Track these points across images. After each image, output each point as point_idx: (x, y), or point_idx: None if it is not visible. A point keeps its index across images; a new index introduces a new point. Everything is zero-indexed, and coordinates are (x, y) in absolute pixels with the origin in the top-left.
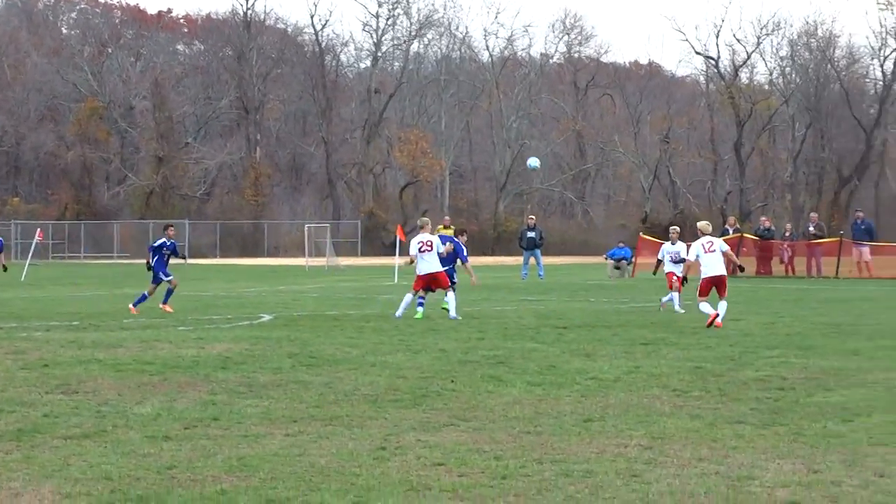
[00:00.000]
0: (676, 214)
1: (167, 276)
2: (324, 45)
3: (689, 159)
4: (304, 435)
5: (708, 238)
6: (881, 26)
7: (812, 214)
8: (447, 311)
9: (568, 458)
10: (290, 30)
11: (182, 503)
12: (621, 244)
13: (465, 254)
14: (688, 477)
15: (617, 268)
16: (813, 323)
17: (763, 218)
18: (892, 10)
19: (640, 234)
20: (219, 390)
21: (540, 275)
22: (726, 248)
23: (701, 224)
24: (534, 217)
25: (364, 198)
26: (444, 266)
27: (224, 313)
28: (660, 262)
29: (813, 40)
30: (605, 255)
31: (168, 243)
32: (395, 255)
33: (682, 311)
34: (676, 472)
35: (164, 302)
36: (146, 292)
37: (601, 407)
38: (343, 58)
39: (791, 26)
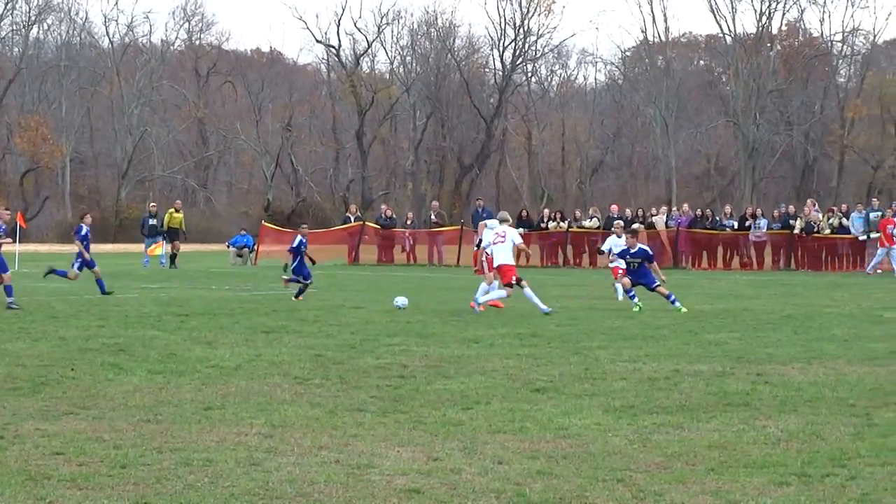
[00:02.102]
0: (299, 202)
1: None
2: None
3: (312, 147)
4: None
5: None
6: (500, 16)
7: (433, 203)
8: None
9: (188, 446)
10: None
11: None
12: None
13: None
14: (308, 465)
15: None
16: (434, 311)
17: (384, 206)
18: None
19: (263, 221)
20: None
21: (162, 262)
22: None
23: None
24: (156, 204)
25: None
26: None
27: None
28: (605, 253)
29: (433, 30)
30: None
31: None
32: (15, 241)
33: (621, 300)
34: (297, 460)
35: None
36: None
37: (222, 395)
38: None
39: (412, 16)
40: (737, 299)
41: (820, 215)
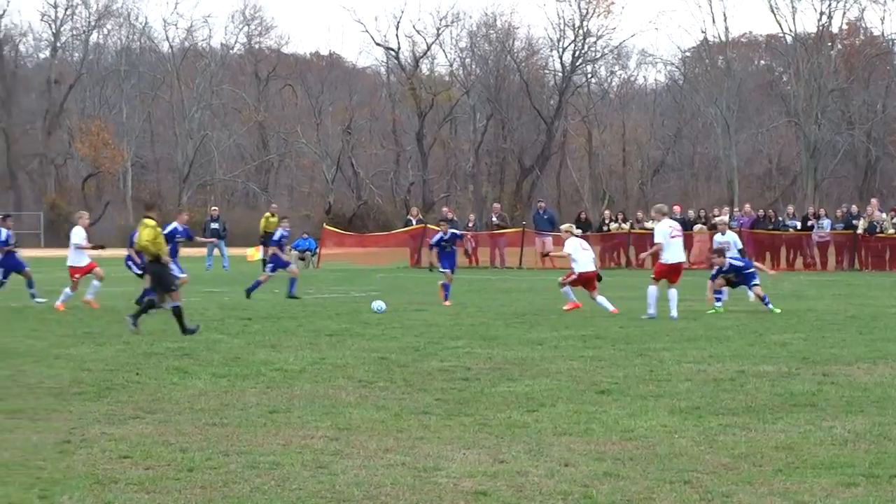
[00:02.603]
0: (360, 205)
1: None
2: (1, 35)
3: (372, 150)
4: None
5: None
6: (559, 18)
7: (495, 205)
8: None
9: (254, 449)
10: None
11: None
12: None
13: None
14: (374, 468)
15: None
16: (497, 313)
17: (445, 209)
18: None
19: (325, 225)
20: None
21: (224, 266)
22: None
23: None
24: (217, 208)
25: (46, 189)
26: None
27: None
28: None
29: (492, 32)
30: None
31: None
32: None
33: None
34: (363, 463)
35: None
36: None
37: (287, 398)
38: (22, 48)
39: (470, 18)
40: (801, 300)
41: (883, 215)
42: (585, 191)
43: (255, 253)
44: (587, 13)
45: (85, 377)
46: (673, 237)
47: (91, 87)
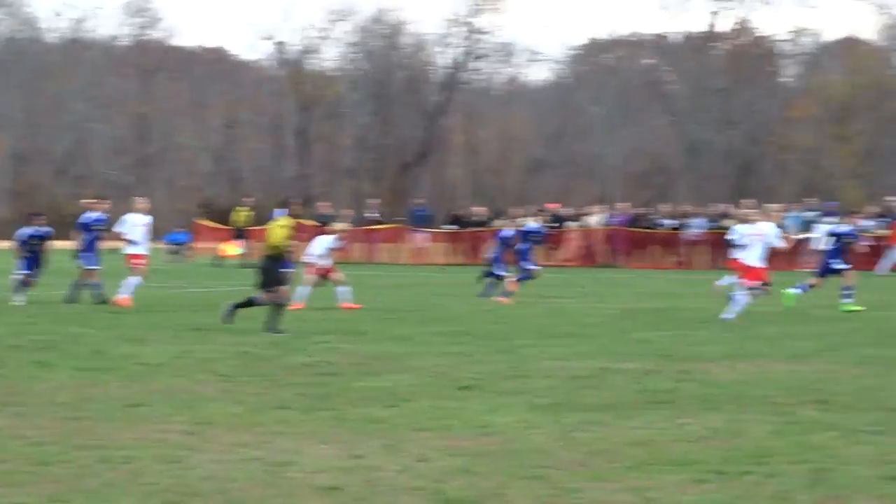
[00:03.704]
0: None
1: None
2: None
3: (254, 144)
4: None
5: None
6: (447, 15)
7: (372, 201)
8: None
9: (109, 444)
10: None
11: None
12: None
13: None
14: (228, 462)
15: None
16: (368, 309)
17: (322, 203)
18: None
19: (197, 219)
20: None
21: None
22: None
23: None
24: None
25: None
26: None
27: None
28: None
29: (381, 27)
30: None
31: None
32: None
33: None
34: (217, 457)
35: None
36: None
37: (147, 392)
38: None
39: (360, 13)
40: (669, 298)
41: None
42: (464, 187)
43: (232, 248)
44: (476, 10)
45: None
46: None
47: None
